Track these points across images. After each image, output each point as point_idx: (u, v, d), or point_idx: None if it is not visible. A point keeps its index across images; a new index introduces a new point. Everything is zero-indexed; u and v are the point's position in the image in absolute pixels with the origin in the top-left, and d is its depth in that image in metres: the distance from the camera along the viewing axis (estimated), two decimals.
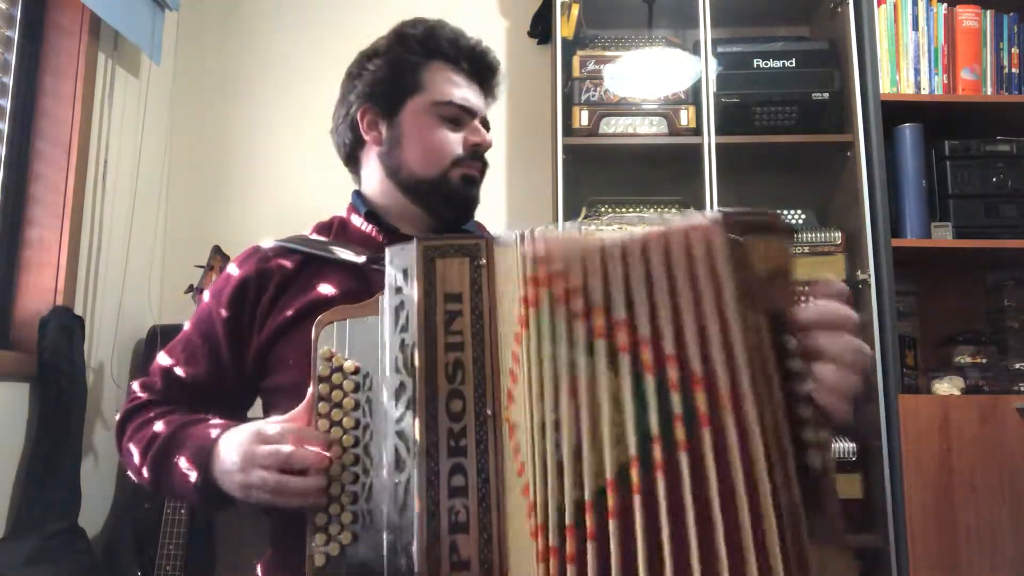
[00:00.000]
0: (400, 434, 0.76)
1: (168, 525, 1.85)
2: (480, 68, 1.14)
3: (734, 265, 0.73)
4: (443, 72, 1.11)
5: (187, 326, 1.10)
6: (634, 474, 0.70)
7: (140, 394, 1.08)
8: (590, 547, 0.69)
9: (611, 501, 0.70)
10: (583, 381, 0.73)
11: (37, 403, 1.84)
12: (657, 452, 0.71)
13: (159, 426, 1.00)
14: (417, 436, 0.74)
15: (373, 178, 1.13)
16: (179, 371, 1.07)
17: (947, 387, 2.02)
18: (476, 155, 1.10)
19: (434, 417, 0.74)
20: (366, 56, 1.14)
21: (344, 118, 1.14)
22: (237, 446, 0.86)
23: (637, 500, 0.70)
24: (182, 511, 1.86)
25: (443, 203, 1.10)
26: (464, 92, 1.11)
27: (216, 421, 0.96)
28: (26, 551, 1.72)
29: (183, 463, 0.93)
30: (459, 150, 1.09)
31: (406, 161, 1.09)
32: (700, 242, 0.74)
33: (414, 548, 0.72)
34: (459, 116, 1.10)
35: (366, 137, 1.12)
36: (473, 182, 1.10)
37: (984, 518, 1.86)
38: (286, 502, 0.81)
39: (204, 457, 0.90)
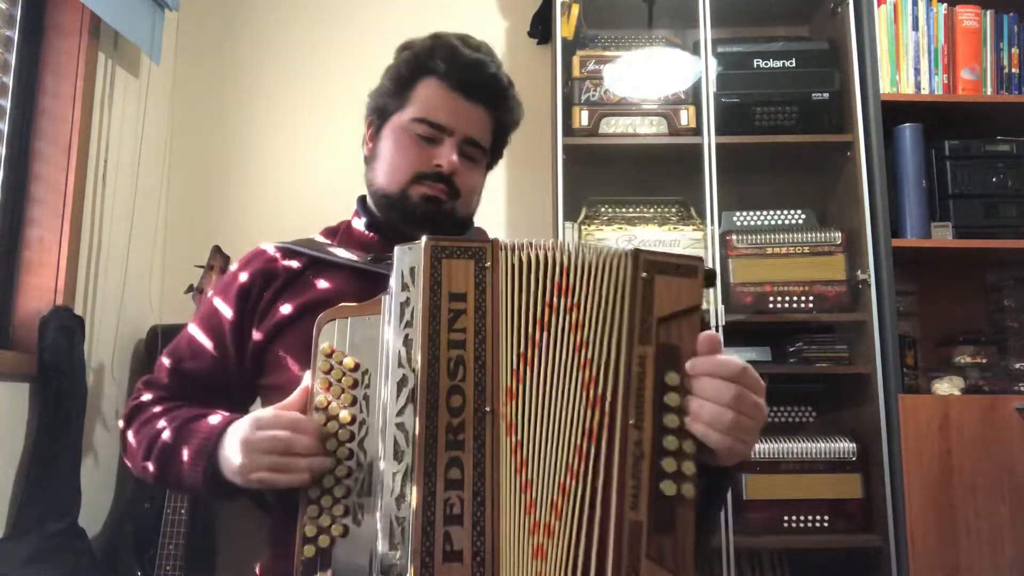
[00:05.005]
0: (400, 426, 0.77)
1: (168, 525, 1.85)
2: (476, 84, 1.08)
3: (637, 300, 0.80)
4: (433, 88, 1.08)
5: (191, 324, 1.11)
6: (564, 477, 0.77)
7: (145, 392, 1.09)
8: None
9: (557, 499, 0.76)
10: (567, 388, 0.79)
11: (37, 403, 1.83)
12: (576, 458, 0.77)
13: (163, 422, 1.01)
14: (417, 429, 0.76)
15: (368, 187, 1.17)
16: (185, 367, 1.08)
17: (947, 387, 2.02)
18: (440, 176, 1.06)
19: (435, 410, 0.76)
20: (386, 69, 1.13)
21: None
22: (238, 434, 0.87)
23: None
24: (182, 511, 1.86)
25: (403, 221, 1.08)
26: (448, 111, 1.06)
27: (219, 413, 0.97)
28: (26, 551, 1.72)
29: (187, 456, 0.94)
30: (422, 167, 1.06)
31: (376, 175, 1.11)
32: (613, 273, 0.81)
33: (408, 536, 0.74)
34: (433, 135, 1.07)
35: (363, 149, 1.16)
36: (435, 202, 1.06)
37: (984, 518, 1.86)
38: (284, 481, 0.82)
39: (209, 448, 0.92)
